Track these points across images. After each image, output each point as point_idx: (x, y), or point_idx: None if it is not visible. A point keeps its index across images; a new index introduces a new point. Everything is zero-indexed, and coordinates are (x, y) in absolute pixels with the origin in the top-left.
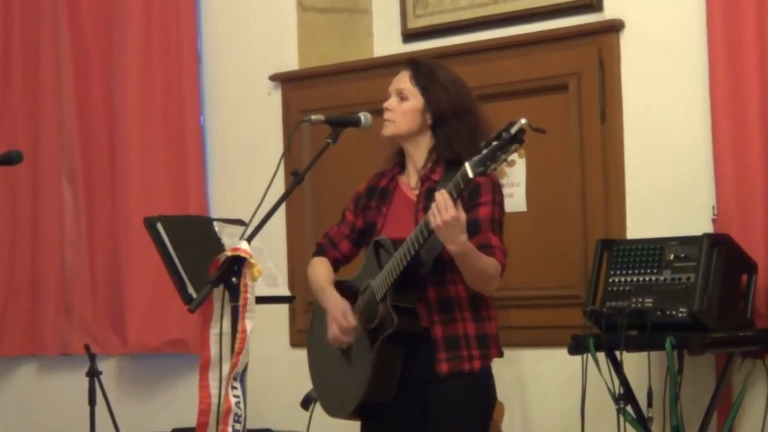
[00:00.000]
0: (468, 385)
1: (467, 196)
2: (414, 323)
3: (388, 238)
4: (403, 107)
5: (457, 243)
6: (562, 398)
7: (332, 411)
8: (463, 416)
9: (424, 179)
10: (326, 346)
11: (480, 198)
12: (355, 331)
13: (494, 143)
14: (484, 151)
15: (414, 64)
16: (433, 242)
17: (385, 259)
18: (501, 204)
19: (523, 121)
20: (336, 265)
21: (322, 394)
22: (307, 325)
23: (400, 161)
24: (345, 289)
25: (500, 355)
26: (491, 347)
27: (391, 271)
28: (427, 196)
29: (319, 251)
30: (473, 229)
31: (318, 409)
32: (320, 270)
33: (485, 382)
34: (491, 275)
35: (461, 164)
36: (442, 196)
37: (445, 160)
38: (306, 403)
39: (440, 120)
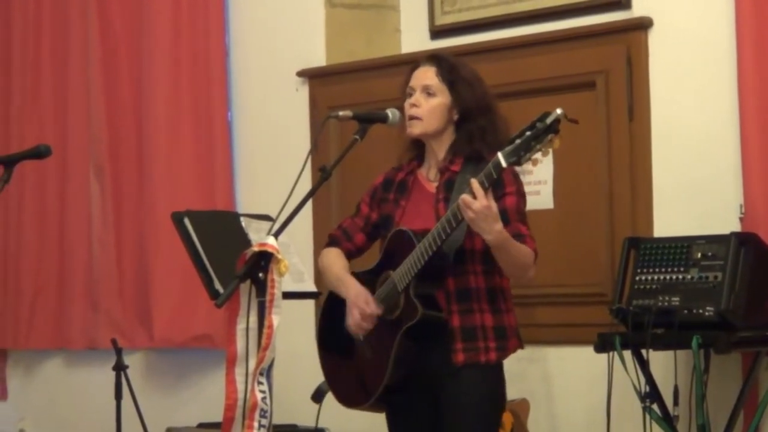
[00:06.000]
0: (484, 377)
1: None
2: (437, 313)
3: (409, 229)
4: (431, 104)
5: (494, 233)
6: (588, 396)
7: (348, 402)
8: (479, 408)
9: (443, 171)
10: (340, 339)
11: (504, 189)
12: (376, 319)
13: (528, 133)
14: (517, 141)
15: (438, 59)
16: (455, 234)
17: (406, 249)
18: (523, 194)
19: (558, 111)
20: (348, 257)
21: (338, 386)
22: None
23: (418, 155)
24: (358, 280)
25: (521, 346)
26: (509, 339)
27: (414, 262)
28: (446, 187)
29: (333, 242)
30: (502, 219)
31: (333, 403)
32: (336, 260)
33: (500, 374)
34: (528, 263)
35: (480, 159)
36: (473, 185)
37: (464, 154)
38: (317, 396)
39: (466, 117)
